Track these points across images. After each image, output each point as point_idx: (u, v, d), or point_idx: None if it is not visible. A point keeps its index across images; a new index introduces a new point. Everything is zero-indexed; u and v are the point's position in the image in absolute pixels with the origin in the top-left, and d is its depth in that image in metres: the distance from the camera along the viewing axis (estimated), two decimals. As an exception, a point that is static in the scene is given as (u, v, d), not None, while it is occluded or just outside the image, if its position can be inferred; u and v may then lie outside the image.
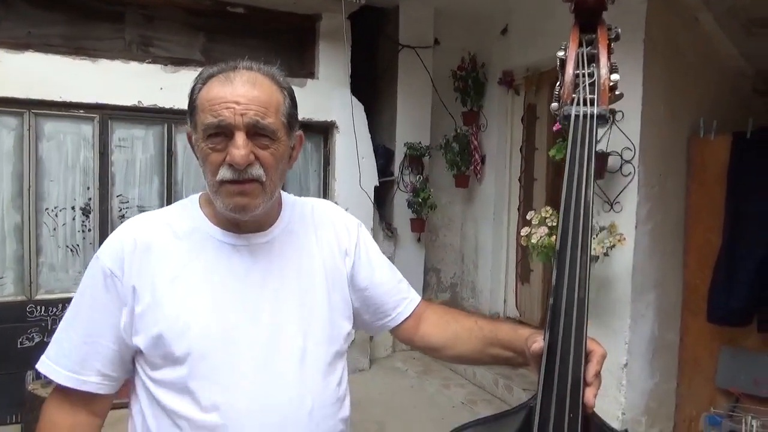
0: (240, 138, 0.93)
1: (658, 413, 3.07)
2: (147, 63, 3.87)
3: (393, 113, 4.87)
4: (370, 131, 4.60)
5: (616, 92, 0.92)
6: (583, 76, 0.91)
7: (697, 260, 2.97)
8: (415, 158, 4.82)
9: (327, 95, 4.38)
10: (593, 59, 0.92)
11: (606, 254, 2.85)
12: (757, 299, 2.70)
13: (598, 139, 3.10)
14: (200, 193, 1.10)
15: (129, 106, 3.83)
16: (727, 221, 2.81)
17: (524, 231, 3.12)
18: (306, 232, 1.12)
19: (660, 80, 2.89)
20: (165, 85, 3.83)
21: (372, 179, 4.62)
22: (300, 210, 1.15)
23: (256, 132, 0.95)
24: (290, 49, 4.45)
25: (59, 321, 1.03)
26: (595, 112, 0.89)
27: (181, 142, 4.04)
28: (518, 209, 4.34)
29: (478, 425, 0.97)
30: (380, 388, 4.24)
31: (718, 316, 2.83)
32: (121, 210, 3.93)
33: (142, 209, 3.90)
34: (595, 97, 0.90)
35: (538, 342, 0.90)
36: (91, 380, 1.00)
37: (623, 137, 2.89)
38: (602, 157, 2.89)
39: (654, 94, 2.88)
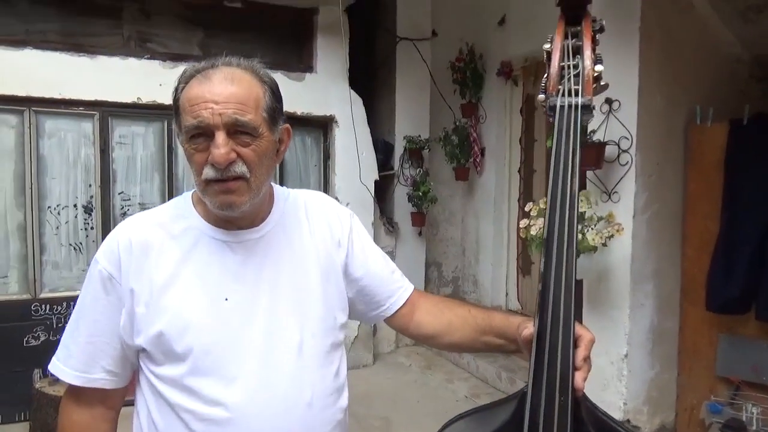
0: (220, 137, 0.94)
1: (660, 403, 3.08)
2: (145, 59, 3.89)
3: (392, 106, 4.88)
4: (369, 125, 4.61)
5: (601, 83, 0.95)
6: (569, 67, 0.93)
7: (696, 248, 2.97)
8: (415, 151, 4.83)
9: (326, 89, 4.39)
10: (578, 51, 0.94)
11: (604, 244, 2.85)
12: (755, 286, 2.71)
13: (594, 129, 3.06)
14: (193, 191, 1.11)
15: (128, 103, 3.85)
16: (725, 209, 2.81)
17: (523, 223, 3.13)
18: (299, 225, 1.13)
19: (656, 68, 2.89)
20: (164, 81, 3.84)
21: (372, 173, 4.63)
22: (293, 203, 1.16)
23: (236, 129, 0.95)
24: (288, 43, 4.47)
25: (64, 319, 1.08)
26: (580, 102, 0.91)
27: (181, 138, 4.05)
28: (518, 201, 4.35)
29: (473, 414, 0.99)
30: (384, 384, 4.26)
31: (716, 305, 2.83)
32: (123, 207, 3.96)
33: (143, 206, 3.92)
34: (580, 87, 0.92)
35: (528, 328, 0.93)
36: (99, 377, 1.04)
37: (620, 126, 2.89)
38: (599, 147, 2.88)
39: (650, 82, 2.88)
